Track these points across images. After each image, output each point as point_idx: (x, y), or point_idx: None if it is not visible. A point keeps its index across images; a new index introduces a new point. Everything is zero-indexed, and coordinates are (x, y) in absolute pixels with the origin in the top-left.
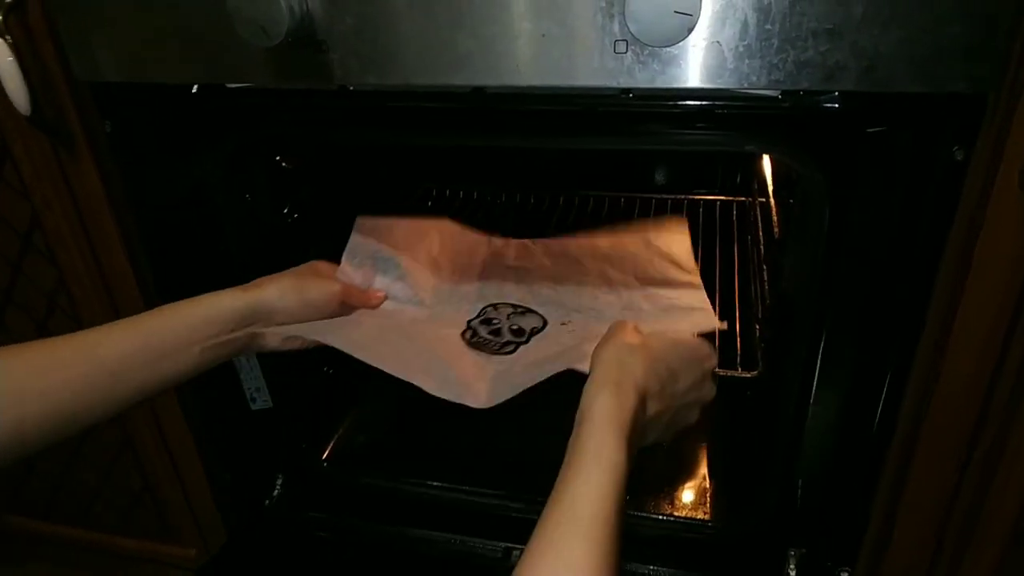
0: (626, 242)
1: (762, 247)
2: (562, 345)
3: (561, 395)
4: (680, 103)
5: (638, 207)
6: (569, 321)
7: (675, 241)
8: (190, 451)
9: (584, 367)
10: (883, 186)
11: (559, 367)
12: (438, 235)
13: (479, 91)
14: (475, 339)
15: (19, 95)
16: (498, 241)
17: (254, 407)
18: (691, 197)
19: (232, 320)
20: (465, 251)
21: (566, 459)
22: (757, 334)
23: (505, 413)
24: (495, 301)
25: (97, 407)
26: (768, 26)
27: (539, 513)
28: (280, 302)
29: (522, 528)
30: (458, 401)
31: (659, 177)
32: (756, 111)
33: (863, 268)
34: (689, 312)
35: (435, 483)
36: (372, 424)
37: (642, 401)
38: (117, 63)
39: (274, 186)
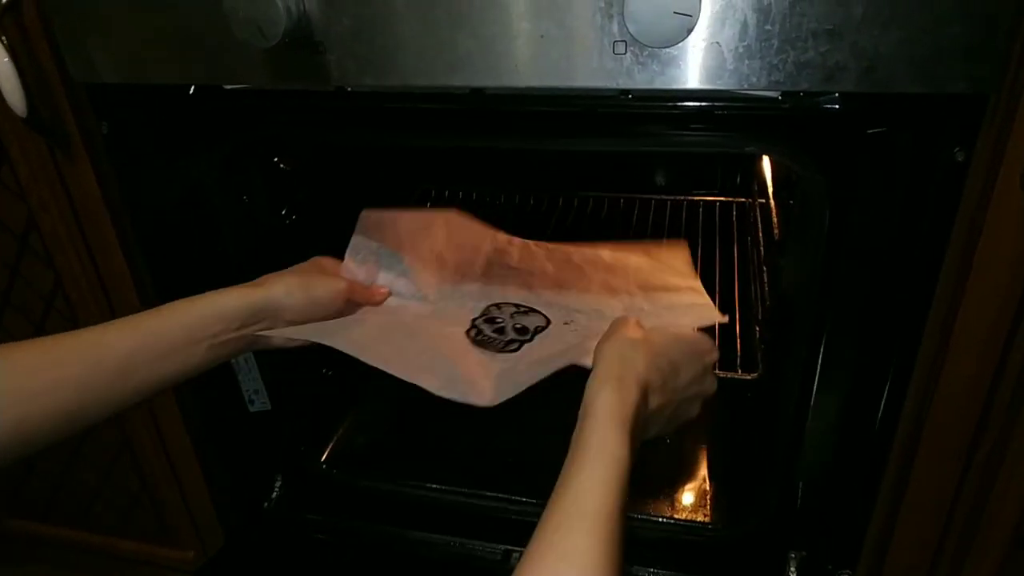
0: (628, 254)
1: (762, 248)
2: (566, 343)
3: (561, 394)
4: (679, 104)
5: (637, 208)
6: (572, 321)
7: (676, 255)
8: (188, 453)
9: (587, 362)
10: (883, 187)
11: (563, 363)
12: (443, 229)
13: (478, 92)
14: (480, 337)
15: (15, 96)
16: (502, 238)
17: (252, 409)
18: (690, 198)
19: (238, 318)
20: (469, 246)
21: (569, 454)
22: (757, 336)
23: (505, 414)
24: (498, 301)
25: (101, 404)
26: (768, 27)
27: (539, 515)
28: (287, 300)
29: (522, 530)
30: (463, 400)
31: (659, 178)
32: (756, 112)
33: (864, 269)
34: (690, 308)
35: (435, 485)
36: (371, 425)
37: (644, 395)
38: (113, 64)
39: (272, 187)
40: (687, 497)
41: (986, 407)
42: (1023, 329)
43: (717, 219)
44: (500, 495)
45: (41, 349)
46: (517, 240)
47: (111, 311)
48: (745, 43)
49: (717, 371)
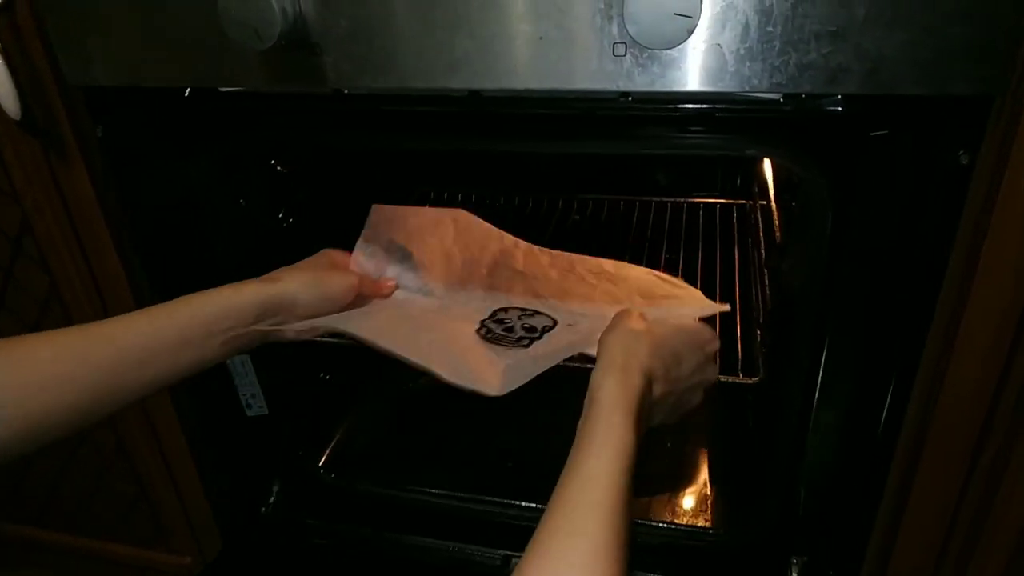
0: (630, 267)
1: (763, 251)
2: (575, 337)
3: (560, 396)
4: (680, 107)
5: (637, 210)
6: (575, 324)
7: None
8: (185, 458)
9: (593, 351)
10: (886, 190)
11: (570, 352)
12: (451, 227)
13: (476, 94)
14: (490, 335)
15: (8, 98)
16: (508, 240)
17: (250, 413)
18: (691, 200)
19: (253, 313)
20: (476, 245)
21: (575, 442)
22: (758, 339)
23: (504, 416)
24: (504, 305)
25: (118, 395)
26: (770, 28)
27: (538, 520)
28: (301, 296)
29: (521, 535)
30: (472, 388)
31: (659, 180)
32: (757, 115)
33: (866, 273)
34: (691, 303)
35: (433, 489)
36: (369, 429)
37: (648, 384)
38: (108, 66)
39: (269, 190)
40: (688, 502)
41: (991, 410)
42: None
43: (717, 221)
44: (498, 499)
45: (57, 341)
46: (523, 244)
47: (105, 314)
48: (746, 45)
49: (718, 376)
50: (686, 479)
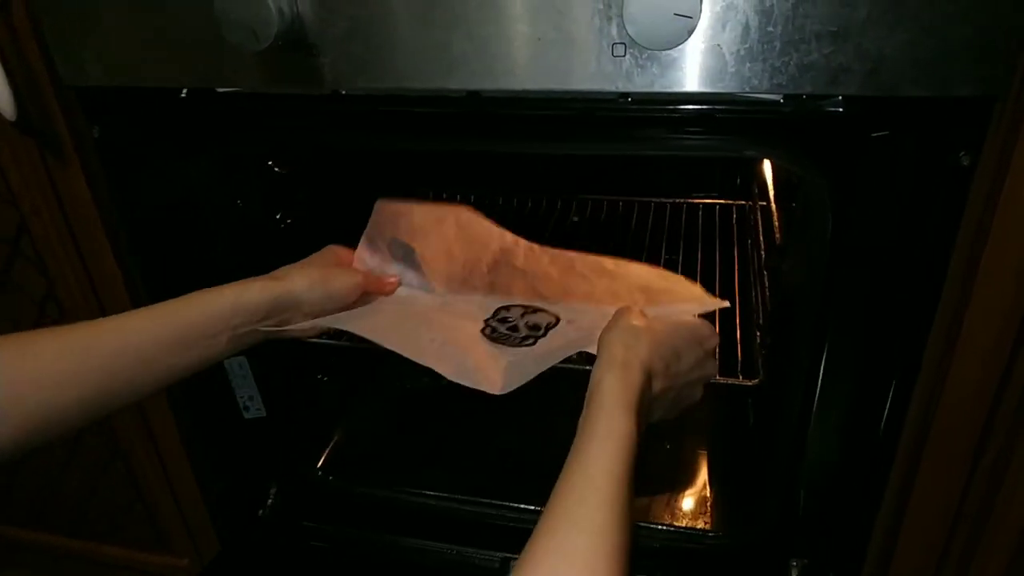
0: (630, 263)
1: (763, 252)
2: (576, 334)
3: (559, 397)
4: (679, 107)
5: (637, 210)
6: (575, 320)
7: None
8: (182, 460)
9: (594, 349)
10: (887, 192)
11: (571, 350)
12: (454, 223)
13: (474, 95)
14: (494, 335)
15: (4, 99)
16: (509, 238)
17: (247, 416)
18: (690, 201)
19: (260, 311)
20: (478, 243)
21: (576, 437)
22: (758, 341)
23: (503, 418)
24: (506, 303)
25: (125, 391)
26: (770, 28)
27: (536, 523)
28: (307, 295)
29: (519, 538)
30: (474, 386)
31: (658, 180)
32: (757, 115)
33: (867, 274)
34: (690, 297)
35: (431, 492)
36: (367, 431)
37: (648, 380)
38: (104, 67)
39: (266, 191)
40: (687, 504)
41: (992, 411)
42: None
43: (717, 222)
44: (497, 502)
45: (64, 337)
46: (523, 242)
47: (103, 314)
48: (747, 45)
49: (717, 377)
50: (685, 481)
